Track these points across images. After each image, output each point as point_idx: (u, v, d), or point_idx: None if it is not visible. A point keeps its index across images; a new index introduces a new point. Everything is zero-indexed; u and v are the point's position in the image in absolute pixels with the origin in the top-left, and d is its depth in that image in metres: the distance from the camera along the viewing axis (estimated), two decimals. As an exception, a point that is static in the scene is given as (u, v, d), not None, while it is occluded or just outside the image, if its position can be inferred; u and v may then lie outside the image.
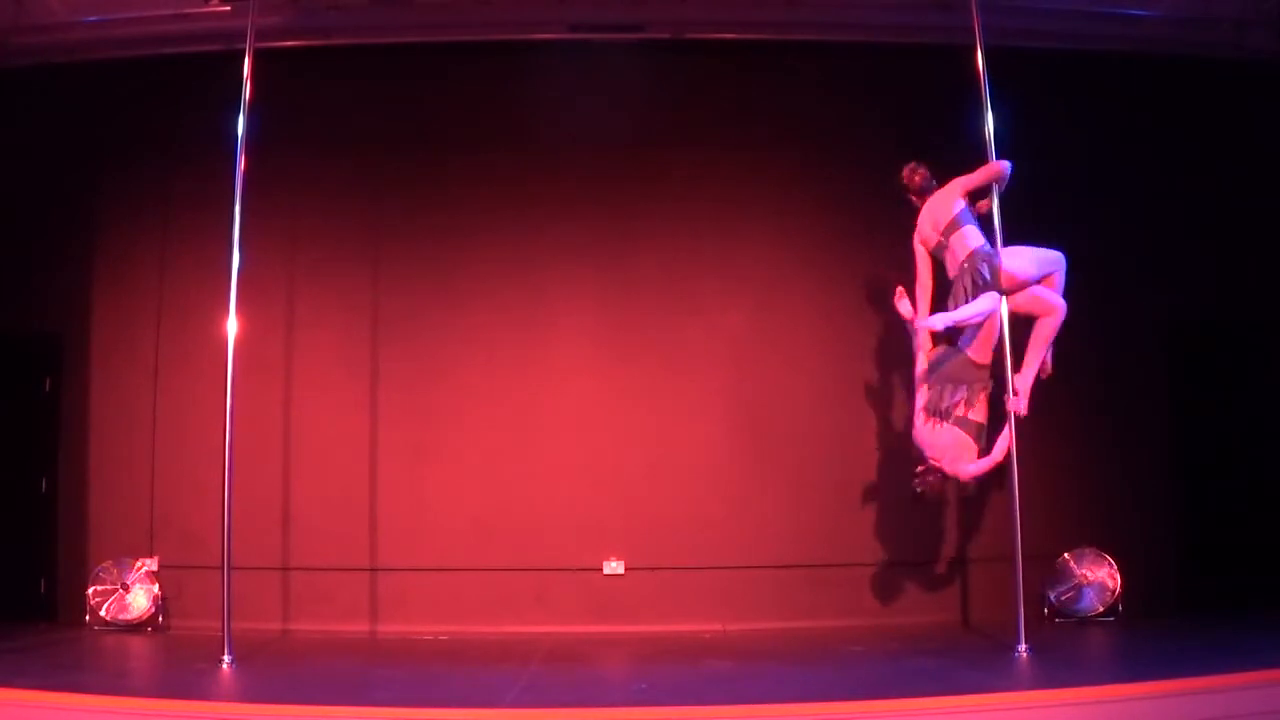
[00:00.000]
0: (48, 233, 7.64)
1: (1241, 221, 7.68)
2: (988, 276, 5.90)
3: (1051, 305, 6.07)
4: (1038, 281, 6.07)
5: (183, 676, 5.53)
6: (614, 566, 7.33)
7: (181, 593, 7.18)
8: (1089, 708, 4.42)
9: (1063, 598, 7.04)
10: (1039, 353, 6.10)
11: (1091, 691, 4.57)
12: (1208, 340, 7.63)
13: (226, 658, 5.59)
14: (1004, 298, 5.94)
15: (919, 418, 6.19)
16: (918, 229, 6.34)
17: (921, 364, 6.24)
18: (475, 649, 6.51)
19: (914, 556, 7.32)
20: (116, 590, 7.12)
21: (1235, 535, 7.36)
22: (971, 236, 6.04)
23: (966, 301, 5.95)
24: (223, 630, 5.66)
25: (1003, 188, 6.05)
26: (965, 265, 6.00)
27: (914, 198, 6.37)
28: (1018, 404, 5.96)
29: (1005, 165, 6.02)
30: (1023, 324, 6.10)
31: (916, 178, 6.34)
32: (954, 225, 6.09)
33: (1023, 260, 6.01)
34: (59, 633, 6.95)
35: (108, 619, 7.06)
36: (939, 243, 6.17)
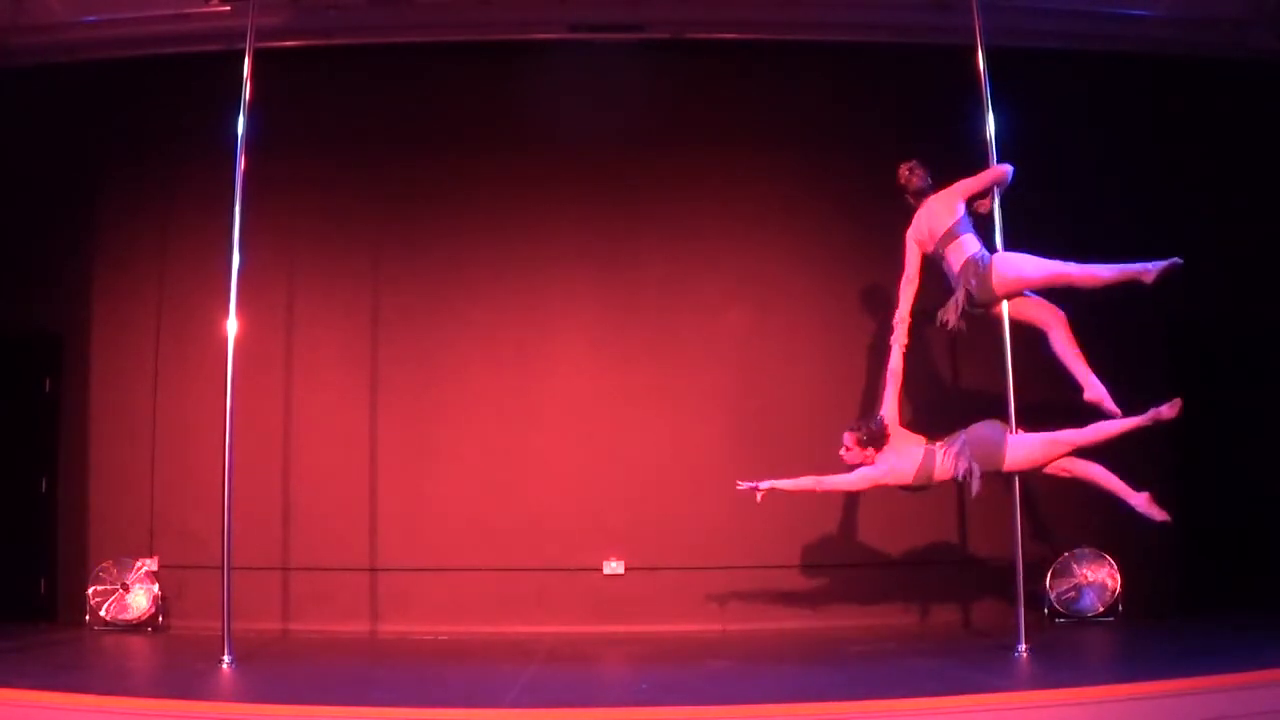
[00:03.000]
0: (48, 233, 7.64)
1: (1242, 221, 7.67)
2: (976, 288, 5.81)
3: (1047, 319, 5.92)
4: (1035, 288, 5.91)
5: (183, 676, 5.52)
6: (614, 566, 7.33)
7: (181, 593, 7.19)
8: (1089, 708, 4.41)
9: (1063, 598, 7.04)
10: (1079, 366, 5.91)
11: (1091, 691, 4.56)
12: (1208, 341, 7.62)
13: (226, 658, 5.58)
14: (1005, 302, 5.87)
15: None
16: (914, 227, 6.13)
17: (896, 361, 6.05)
18: (475, 649, 6.52)
19: (914, 557, 7.31)
20: (116, 590, 7.12)
21: (1235, 536, 7.36)
22: (968, 244, 5.90)
23: (964, 308, 5.89)
24: (223, 630, 5.65)
25: (1004, 190, 6.03)
26: (960, 276, 5.89)
27: (910, 198, 6.15)
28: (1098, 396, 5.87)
29: (1007, 169, 5.97)
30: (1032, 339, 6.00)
31: (914, 178, 6.12)
32: (951, 235, 5.92)
33: (1017, 266, 5.86)
34: (59, 633, 6.94)
35: (108, 619, 7.06)
36: (936, 250, 6.01)
